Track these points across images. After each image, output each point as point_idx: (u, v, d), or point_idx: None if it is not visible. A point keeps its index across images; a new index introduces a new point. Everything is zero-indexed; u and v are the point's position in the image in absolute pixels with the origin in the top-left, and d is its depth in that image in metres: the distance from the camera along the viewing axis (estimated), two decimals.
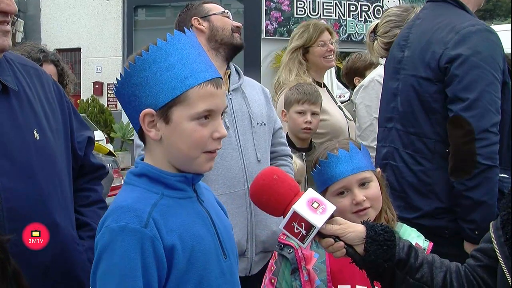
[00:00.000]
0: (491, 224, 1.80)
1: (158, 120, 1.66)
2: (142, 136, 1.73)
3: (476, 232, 2.69)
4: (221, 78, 1.72)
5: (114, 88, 1.72)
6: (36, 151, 1.95)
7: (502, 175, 2.74)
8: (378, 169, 2.35)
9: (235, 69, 3.16)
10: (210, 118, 1.67)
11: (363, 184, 2.21)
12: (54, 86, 2.17)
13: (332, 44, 4.23)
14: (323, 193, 2.22)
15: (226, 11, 3.17)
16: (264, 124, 3.10)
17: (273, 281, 2.26)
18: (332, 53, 4.23)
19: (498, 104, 2.69)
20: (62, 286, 1.99)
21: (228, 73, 3.09)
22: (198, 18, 3.10)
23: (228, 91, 2.99)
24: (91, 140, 2.29)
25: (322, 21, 4.63)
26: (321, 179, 2.24)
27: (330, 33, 4.27)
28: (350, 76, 5.36)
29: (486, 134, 2.63)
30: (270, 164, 3.15)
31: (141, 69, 1.65)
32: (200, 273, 1.64)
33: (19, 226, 1.75)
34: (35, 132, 1.96)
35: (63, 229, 1.97)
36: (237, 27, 3.14)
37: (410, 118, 2.89)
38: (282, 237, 2.27)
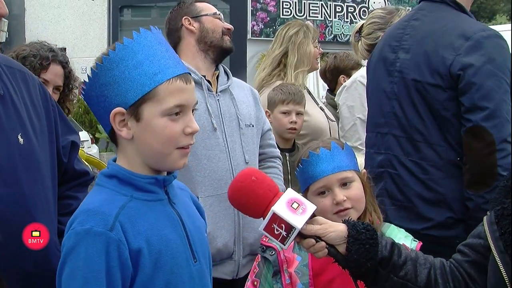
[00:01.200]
0: (484, 218, 1.79)
1: (129, 118, 1.64)
2: (113, 137, 1.71)
3: None
4: (190, 74, 1.71)
5: (82, 91, 1.70)
6: (20, 155, 1.92)
7: None
8: (364, 171, 2.32)
9: (224, 70, 3.12)
10: (181, 114, 1.66)
11: (344, 184, 2.18)
12: (41, 89, 2.13)
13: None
14: (304, 193, 2.21)
15: (218, 12, 3.14)
16: (253, 126, 3.07)
17: (255, 283, 2.24)
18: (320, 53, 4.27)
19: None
20: None
21: (217, 74, 3.06)
22: (189, 18, 3.07)
23: (216, 92, 2.96)
24: (75, 145, 2.24)
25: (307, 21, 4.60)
26: (303, 178, 2.22)
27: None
28: (335, 74, 5.32)
29: (505, 144, 2.55)
30: (259, 166, 3.13)
31: (109, 68, 1.64)
32: (167, 277, 1.62)
33: (1, 232, 1.71)
34: (19, 137, 1.93)
35: None
36: (228, 29, 3.11)
37: (416, 125, 2.77)
38: (264, 239, 2.25)
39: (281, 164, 3.27)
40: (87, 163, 2.57)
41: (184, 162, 1.70)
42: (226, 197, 2.85)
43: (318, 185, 2.18)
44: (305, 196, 2.09)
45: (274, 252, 2.21)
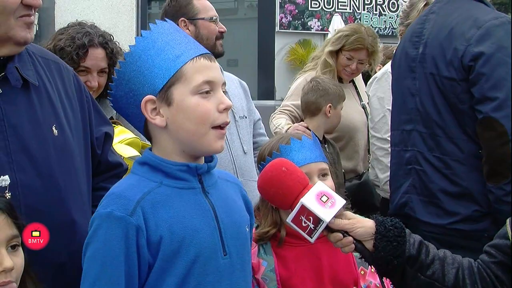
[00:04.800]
0: (507, 220, 1.76)
1: (160, 104, 1.64)
2: (147, 132, 1.71)
3: None
4: (212, 55, 1.71)
5: (110, 97, 1.71)
6: (55, 147, 1.93)
7: None
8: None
9: None
10: (212, 91, 1.65)
11: (323, 175, 2.16)
12: (75, 81, 2.14)
13: (362, 64, 4.17)
14: None
15: (215, 16, 3.16)
16: (246, 117, 3.16)
17: None
18: (352, 71, 4.18)
19: None
20: (76, 284, 1.96)
21: None
22: (186, 20, 3.10)
23: None
24: (108, 136, 2.24)
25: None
26: None
27: (370, 54, 4.15)
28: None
29: None
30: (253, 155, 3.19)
31: (132, 62, 1.65)
32: (189, 266, 1.61)
33: (35, 222, 1.72)
34: (54, 128, 1.94)
35: (80, 226, 1.95)
36: (222, 32, 3.16)
37: (436, 120, 2.74)
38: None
39: None
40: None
41: (221, 144, 1.69)
42: None
43: None
44: None
45: None
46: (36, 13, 1.97)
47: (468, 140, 2.66)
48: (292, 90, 4.18)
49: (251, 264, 1.96)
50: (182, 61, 1.64)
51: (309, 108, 3.71)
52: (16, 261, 1.64)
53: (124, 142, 2.74)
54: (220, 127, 1.67)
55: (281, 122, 3.82)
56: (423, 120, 2.80)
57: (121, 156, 2.44)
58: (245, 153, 3.00)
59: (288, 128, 3.61)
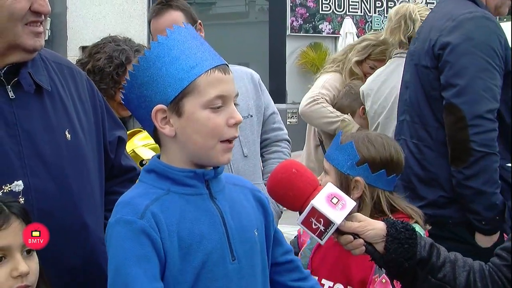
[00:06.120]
0: None
1: (171, 114, 1.63)
2: (157, 137, 1.71)
3: (483, 223, 2.66)
4: (227, 65, 1.70)
5: (122, 95, 1.71)
6: (68, 152, 1.94)
7: (508, 164, 2.72)
8: (361, 181, 2.20)
9: None
10: (223, 105, 1.64)
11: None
12: (88, 85, 2.15)
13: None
14: None
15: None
16: (251, 116, 3.09)
17: None
18: None
19: (495, 92, 2.65)
20: None
21: None
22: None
23: None
24: (122, 140, 2.25)
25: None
26: None
27: None
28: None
29: (480, 120, 2.60)
30: (262, 152, 3.18)
31: (146, 67, 1.64)
32: (197, 272, 1.60)
33: (49, 227, 1.73)
34: (67, 133, 1.95)
35: (92, 230, 1.97)
36: None
37: (415, 108, 2.88)
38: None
39: (288, 146, 3.30)
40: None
41: (228, 157, 1.68)
42: None
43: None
44: None
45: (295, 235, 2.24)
46: (48, 18, 1.98)
47: (439, 127, 2.77)
48: (320, 82, 4.15)
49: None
50: (196, 73, 1.62)
51: (344, 112, 3.91)
52: (31, 265, 1.65)
53: (148, 147, 2.80)
54: (228, 140, 1.67)
55: (334, 111, 3.92)
56: (408, 109, 2.94)
57: (143, 159, 2.43)
58: (245, 156, 2.96)
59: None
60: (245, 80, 3.18)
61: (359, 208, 2.12)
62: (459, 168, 2.65)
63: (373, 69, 4.13)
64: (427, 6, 4.05)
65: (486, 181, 2.62)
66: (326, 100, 4.03)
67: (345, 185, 2.14)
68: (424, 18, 3.55)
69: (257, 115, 3.12)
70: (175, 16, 3.00)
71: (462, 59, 2.67)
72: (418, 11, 3.60)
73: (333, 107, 3.97)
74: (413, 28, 3.52)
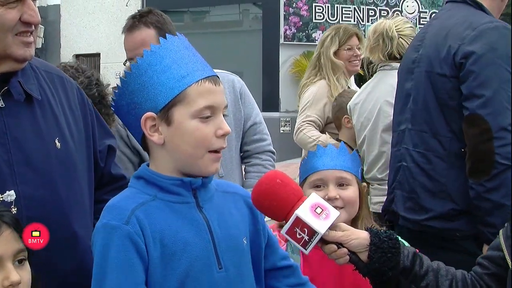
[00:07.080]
0: (500, 232, 1.77)
1: (160, 123, 1.65)
2: (145, 144, 1.72)
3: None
4: (218, 77, 1.72)
5: (112, 102, 1.73)
6: (57, 160, 1.95)
7: None
8: (364, 184, 2.31)
9: None
10: (212, 116, 1.66)
11: (341, 184, 2.18)
12: (78, 94, 2.16)
13: (359, 49, 4.30)
14: (301, 183, 2.22)
15: None
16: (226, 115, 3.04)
17: None
18: (358, 58, 4.31)
19: None
20: None
21: None
22: None
23: None
24: (112, 149, 2.26)
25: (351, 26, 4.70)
26: (304, 169, 2.24)
27: (359, 39, 4.35)
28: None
29: (504, 132, 2.53)
30: (244, 164, 3.13)
31: (138, 75, 1.65)
32: (181, 280, 1.61)
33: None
34: (57, 141, 1.96)
35: (82, 239, 1.97)
36: None
37: (423, 116, 2.80)
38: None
39: (270, 157, 3.21)
40: None
41: (216, 167, 1.70)
42: None
43: (315, 177, 2.19)
44: (301, 186, 2.11)
45: None
46: (42, 26, 1.99)
47: (453, 137, 2.70)
48: (307, 99, 4.24)
49: None
50: (187, 82, 1.64)
51: (335, 124, 3.99)
52: (23, 275, 1.65)
53: None
54: (216, 151, 1.68)
55: (316, 134, 4.03)
56: (412, 117, 2.86)
57: None
58: (220, 177, 2.85)
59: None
60: (226, 90, 3.09)
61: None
62: (480, 181, 2.56)
63: (351, 49, 4.28)
64: (419, 20, 4.10)
65: (505, 194, 2.53)
66: (312, 121, 4.13)
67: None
68: (403, 33, 3.59)
69: (235, 129, 3.07)
70: (145, 35, 2.92)
71: (487, 70, 2.59)
72: (396, 27, 3.62)
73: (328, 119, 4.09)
74: (391, 45, 3.56)
